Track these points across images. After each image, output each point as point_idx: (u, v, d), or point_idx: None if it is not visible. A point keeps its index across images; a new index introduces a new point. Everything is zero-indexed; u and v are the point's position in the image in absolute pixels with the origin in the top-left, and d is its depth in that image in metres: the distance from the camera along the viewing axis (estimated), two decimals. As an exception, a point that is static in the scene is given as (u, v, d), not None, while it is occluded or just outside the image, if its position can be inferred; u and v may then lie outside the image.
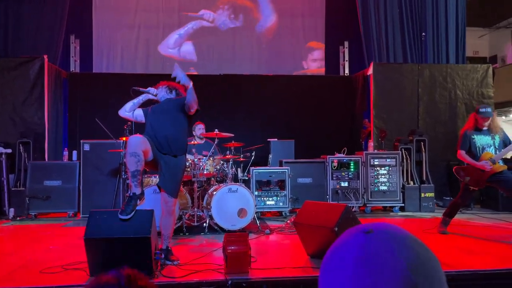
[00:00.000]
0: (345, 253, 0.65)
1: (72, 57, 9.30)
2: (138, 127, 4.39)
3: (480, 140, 4.91)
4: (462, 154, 4.97)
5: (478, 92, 8.40)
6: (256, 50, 10.07)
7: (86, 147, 6.78)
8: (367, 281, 0.60)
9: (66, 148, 7.41)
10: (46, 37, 8.28)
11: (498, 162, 4.83)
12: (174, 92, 4.17)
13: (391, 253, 0.62)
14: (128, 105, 4.14)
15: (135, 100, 4.15)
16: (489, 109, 4.95)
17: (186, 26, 9.90)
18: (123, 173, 6.22)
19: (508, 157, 7.44)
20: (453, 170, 5.19)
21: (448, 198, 7.42)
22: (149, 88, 4.14)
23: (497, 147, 4.87)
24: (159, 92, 4.14)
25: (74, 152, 7.22)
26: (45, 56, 7.57)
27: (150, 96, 4.16)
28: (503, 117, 13.14)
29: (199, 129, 6.42)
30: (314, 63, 10.25)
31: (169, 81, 4.20)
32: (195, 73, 9.50)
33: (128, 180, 5.79)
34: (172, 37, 9.88)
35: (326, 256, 0.69)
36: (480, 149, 4.89)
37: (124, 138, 5.89)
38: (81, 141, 6.88)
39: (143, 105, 4.27)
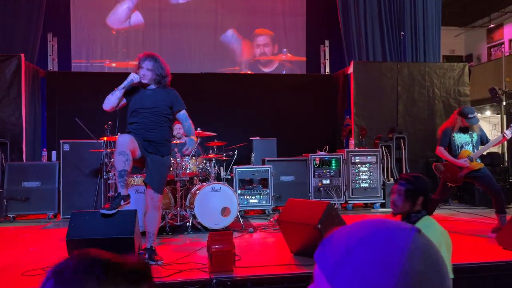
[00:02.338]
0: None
1: (50, 55, 9.09)
2: (120, 127, 4.33)
3: (460, 138, 5.00)
4: (441, 150, 5.06)
5: (455, 90, 8.57)
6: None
7: (66, 147, 6.66)
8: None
9: (45, 149, 7.26)
10: (23, 35, 8.08)
11: (476, 160, 4.95)
12: (163, 82, 3.94)
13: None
14: (112, 97, 3.86)
15: (117, 92, 3.86)
16: (476, 115, 4.90)
17: None
18: (104, 173, 6.14)
19: (484, 153, 7.64)
20: (433, 166, 5.30)
21: (427, 194, 7.56)
22: (129, 78, 3.86)
23: (474, 144, 4.98)
24: (143, 72, 3.88)
25: (53, 153, 7.09)
26: (22, 55, 7.38)
27: (134, 82, 3.88)
28: (479, 114, 13.45)
29: (176, 129, 6.33)
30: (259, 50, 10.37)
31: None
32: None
33: (110, 180, 5.74)
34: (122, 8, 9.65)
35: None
36: (459, 147, 5.00)
37: (105, 138, 5.81)
38: (61, 141, 6.75)
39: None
